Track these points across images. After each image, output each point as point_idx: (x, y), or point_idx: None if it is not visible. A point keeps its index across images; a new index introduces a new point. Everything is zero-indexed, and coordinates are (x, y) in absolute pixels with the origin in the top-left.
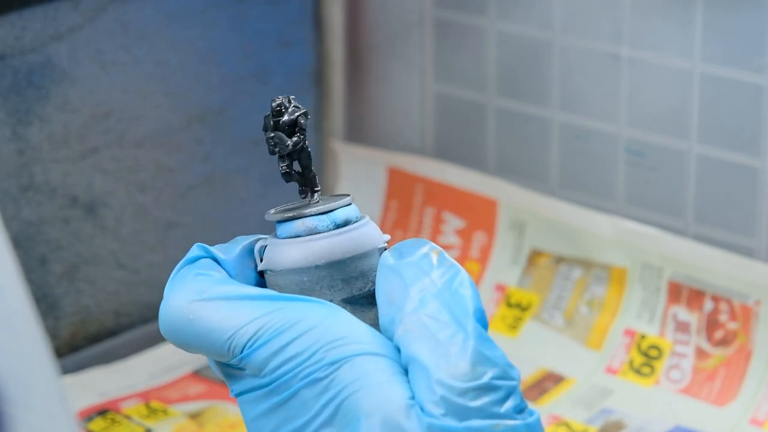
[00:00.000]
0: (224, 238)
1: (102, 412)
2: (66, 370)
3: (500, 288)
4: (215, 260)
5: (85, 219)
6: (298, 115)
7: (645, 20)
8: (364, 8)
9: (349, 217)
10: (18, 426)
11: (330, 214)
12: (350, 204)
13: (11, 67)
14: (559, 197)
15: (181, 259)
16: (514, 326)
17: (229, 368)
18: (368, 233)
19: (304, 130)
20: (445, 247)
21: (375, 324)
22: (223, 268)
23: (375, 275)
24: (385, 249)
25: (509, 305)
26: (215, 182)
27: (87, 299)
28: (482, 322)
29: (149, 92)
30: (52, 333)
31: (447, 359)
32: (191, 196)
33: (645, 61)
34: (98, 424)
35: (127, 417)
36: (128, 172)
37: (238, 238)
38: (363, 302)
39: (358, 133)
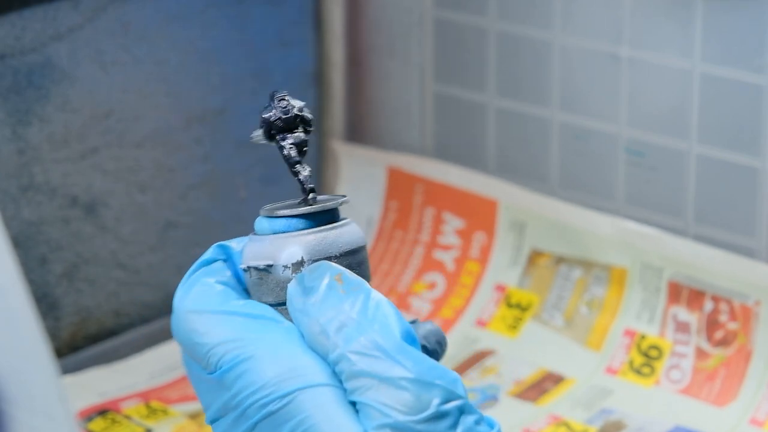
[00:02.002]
0: (224, 238)
1: (102, 412)
2: (66, 370)
3: (500, 288)
4: (230, 259)
5: (85, 219)
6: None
7: (645, 20)
8: (364, 8)
9: (257, 228)
10: (18, 426)
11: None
12: (292, 216)
13: (11, 67)
14: (559, 197)
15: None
16: (514, 326)
17: (204, 386)
18: (249, 250)
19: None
20: (445, 248)
21: None
22: (235, 263)
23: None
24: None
25: (509, 305)
26: (215, 182)
27: (87, 299)
28: (410, 340)
29: (149, 92)
30: (52, 333)
31: (390, 397)
32: (191, 196)
33: (645, 61)
34: (98, 424)
35: (127, 417)
36: (128, 172)
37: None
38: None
39: (358, 133)
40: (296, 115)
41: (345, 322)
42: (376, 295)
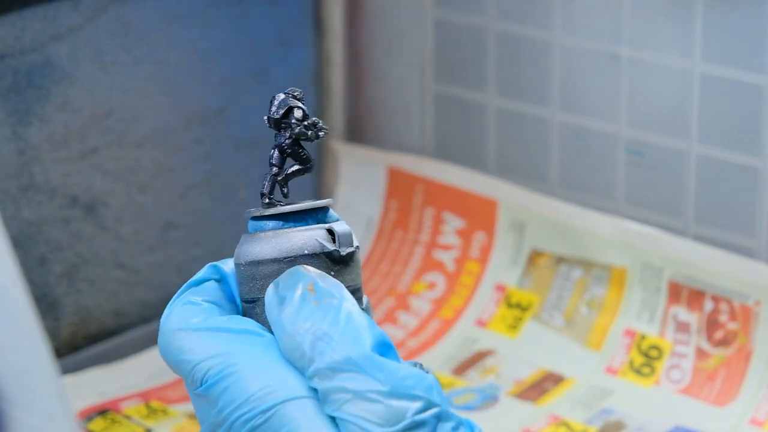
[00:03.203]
0: (224, 238)
1: (102, 412)
2: (66, 370)
3: (500, 288)
4: (223, 278)
5: (85, 219)
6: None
7: (645, 20)
8: (364, 8)
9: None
10: (18, 426)
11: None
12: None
13: (11, 67)
14: (559, 197)
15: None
16: (514, 326)
17: (198, 401)
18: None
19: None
20: (445, 248)
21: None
22: (230, 284)
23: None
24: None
25: (509, 305)
26: (215, 182)
27: (87, 299)
28: (383, 348)
29: (149, 92)
30: (52, 333)
31: (365, 410)
32: (191, 196)
33: (645, 61)
34: (98, 424)
35: (127, 417)
36: (128, 172)
37: None
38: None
39: (358, 133)
40: (269, 118)
41: (317, 335)
42: (348, 306)
